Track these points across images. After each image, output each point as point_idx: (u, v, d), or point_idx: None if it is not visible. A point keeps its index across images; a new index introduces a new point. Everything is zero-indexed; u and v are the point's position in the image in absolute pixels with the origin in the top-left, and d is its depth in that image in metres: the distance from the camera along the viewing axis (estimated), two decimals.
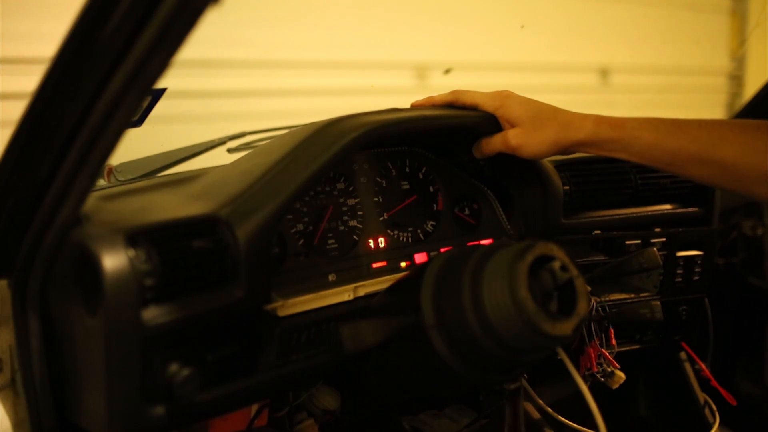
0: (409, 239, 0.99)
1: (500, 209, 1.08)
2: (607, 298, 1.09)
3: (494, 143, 0.93)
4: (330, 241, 0.91)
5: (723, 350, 1.34)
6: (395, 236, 0.98)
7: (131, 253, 0.64)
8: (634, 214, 1.15)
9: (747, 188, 0.86)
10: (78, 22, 0.58)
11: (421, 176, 1.02)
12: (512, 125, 0.91)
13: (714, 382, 1.22)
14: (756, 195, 0.86)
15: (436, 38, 2.38)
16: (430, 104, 0.96)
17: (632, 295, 1.14)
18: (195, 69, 1.79)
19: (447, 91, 0.97)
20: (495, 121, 0.93)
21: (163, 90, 0.86)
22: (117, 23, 0.56)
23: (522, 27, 2.53)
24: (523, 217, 1.06)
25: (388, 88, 2.36)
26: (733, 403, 1.20)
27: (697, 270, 1.18)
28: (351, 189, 0.95)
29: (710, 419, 1.22)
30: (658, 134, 0.86)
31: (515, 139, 0.90)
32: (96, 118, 0.60)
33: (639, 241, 1.12)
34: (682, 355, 1.27)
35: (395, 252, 0.97)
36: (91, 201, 0.71)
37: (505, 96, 0.92)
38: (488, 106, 0.92)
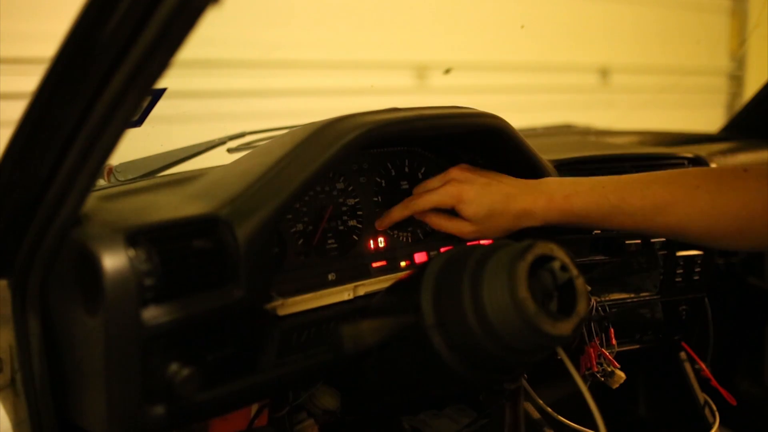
0: (409, 239, 0.99)
1: None
2: (607, 298, 1.09)
3: (449, 227, 0.95)
4: (330, 241, 0.91)
5: (723, 350, 1.33)
6: (395, 236, 0.98)
7: (131, 252, 0.64)
8: None
9: (712, 245, 0.88)
10: (78, 22, 0.58)
11: (420, 176, 1.02)
12: (467, 220, 0.93)
13: (714, 382, 1.22)
14: (727, 248, 0.88)
15: (436, 38, 2.38)
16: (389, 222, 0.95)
17: (632, 295, 1.14)
18: (195, 69, 1.80)
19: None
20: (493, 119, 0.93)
21: (163, 90, 0.85)
22: (117, 23, 0.56)
23: (522, 27, 2.53)
24: None
25: (388, 88, 2.36)
26: (733, 403, 1.20)
27: (697, 270, 1.18)
28: (351, 189, 0.95)
29: (710, 419, 1.22)
30: (603, 214, 0.88)
31: (471, 234, 0.94)
32: (96, 118, 0.60)
33: (639, 241, 1.12)
34: (682, 355, 1.27)
35: (395, 252, 0.96)
36: (91, 201, 0.71)
37: (457, 195, 0.92)
38: (447, 204, 0.93)
